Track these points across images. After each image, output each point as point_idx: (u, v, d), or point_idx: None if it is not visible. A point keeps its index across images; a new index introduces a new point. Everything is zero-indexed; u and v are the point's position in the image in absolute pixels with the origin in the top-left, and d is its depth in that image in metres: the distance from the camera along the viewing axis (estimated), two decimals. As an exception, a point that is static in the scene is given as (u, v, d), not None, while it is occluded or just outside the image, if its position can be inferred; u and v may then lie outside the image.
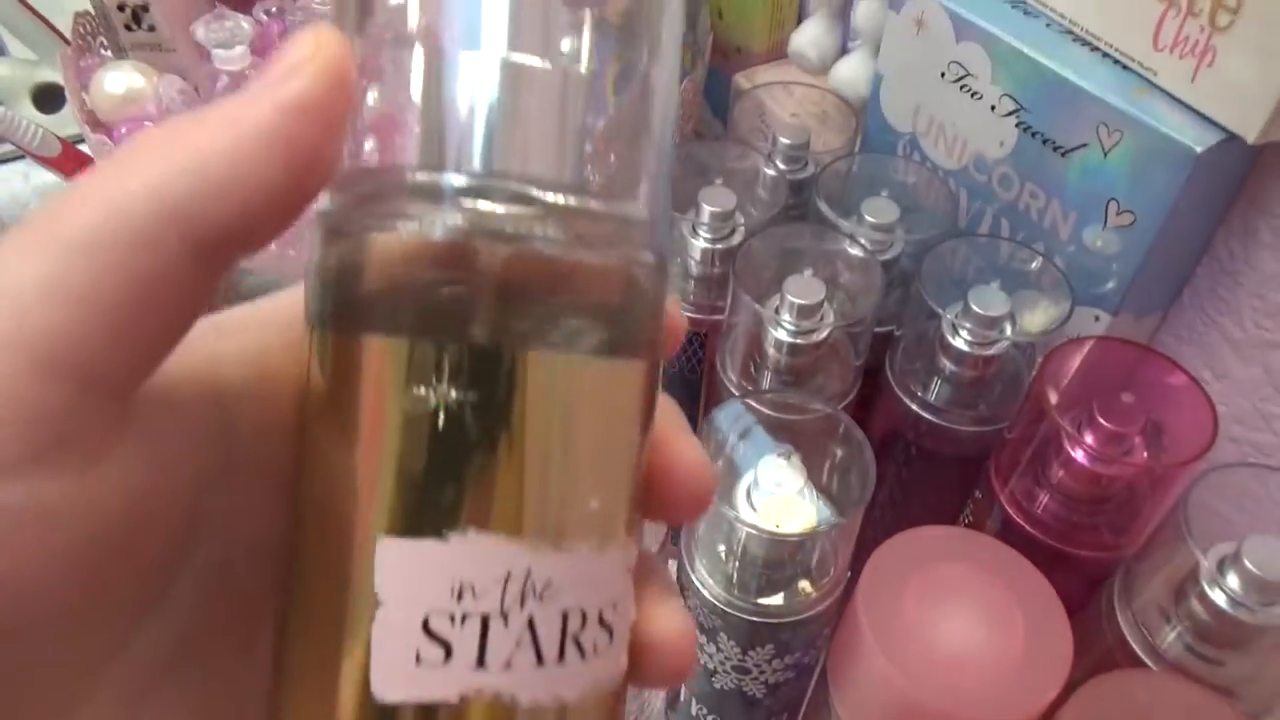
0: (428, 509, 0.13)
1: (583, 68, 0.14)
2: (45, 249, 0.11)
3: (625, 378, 0.14)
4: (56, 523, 0.11)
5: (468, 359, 0.13)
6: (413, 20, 0.14)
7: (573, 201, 0.14)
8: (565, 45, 0.14)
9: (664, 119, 0.15)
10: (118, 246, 0.12)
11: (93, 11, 0.49)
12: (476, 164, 0.13)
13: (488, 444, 0.13)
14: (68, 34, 0.54)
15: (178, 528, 0.14)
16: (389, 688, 0.13)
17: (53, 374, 0.11)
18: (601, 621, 0.14)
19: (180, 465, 0.13)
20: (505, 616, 0.13)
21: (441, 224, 0.13)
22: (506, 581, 0.13)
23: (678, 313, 0.17)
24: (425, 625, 0.13)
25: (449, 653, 0.13)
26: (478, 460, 0.13)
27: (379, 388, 0.13)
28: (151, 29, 0.48)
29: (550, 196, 0.14)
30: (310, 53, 0.13)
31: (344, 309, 0.14)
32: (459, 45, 0.14)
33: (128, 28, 0.48)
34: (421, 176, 0.14)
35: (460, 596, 0.13)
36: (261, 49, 0.49)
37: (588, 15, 0.14)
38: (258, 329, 0.15)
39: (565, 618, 0.13)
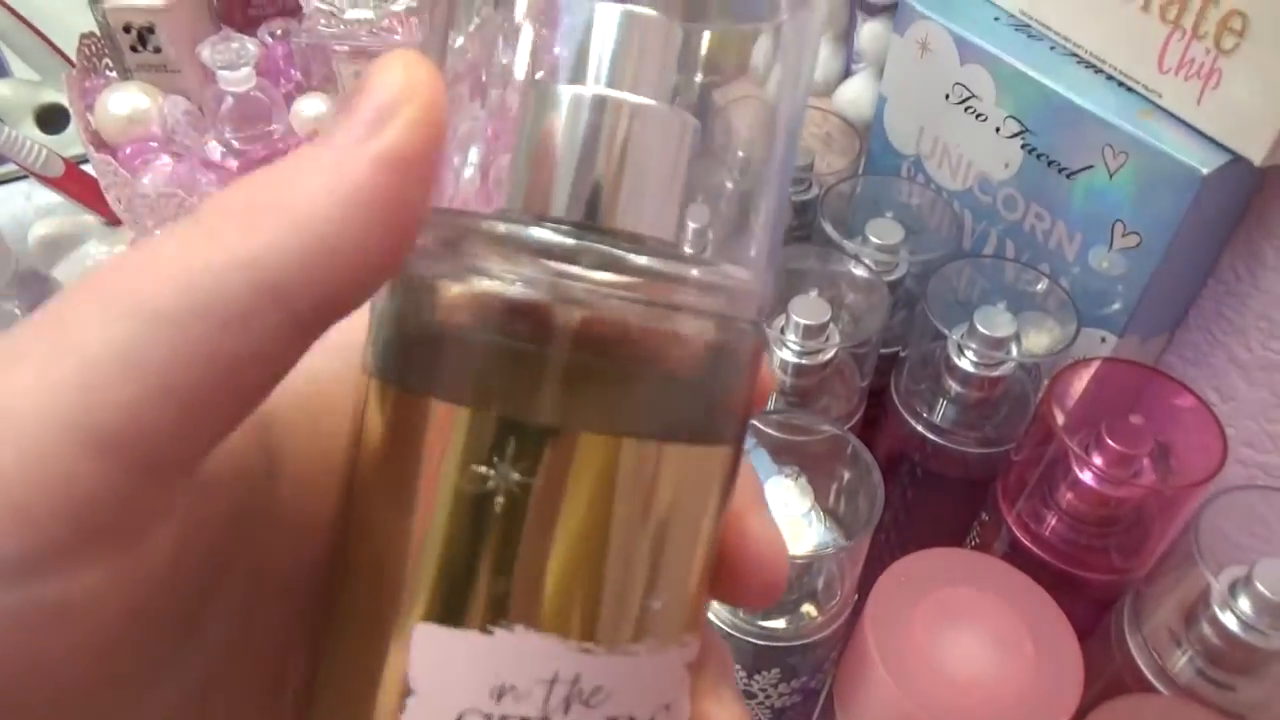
0: (474, 597, 0.12)
1: (692, 113, 0.13)
2: (124, 318, 0.10)
3: (707, 465, 0.13)
4: (90, 610, 0.11)
5: (531, 437, 0.11)
6: (505, 50, 0.13)
7: (670, 267, 0.12)
8: (676, 85, 0.13)
9: (783, 170, 0.14)
10: (205, 322, 0.11)
11: (98, 33, 0.49)
12: (567, 214, 0.12)
13: (545, 533, 0.12)
14: (71, 55, 0.54)
15: (207, 577, 0.13)
16: None
17: (115, 457, 0.10)
18: None
19: (218, 519, 0.13)
20: None
21: (518, 283, 0.12)
22: (553, 685, 0.12)
23: (768, 374, 0.15)
24: None
25: None
26: (533, 550, 0.12)
27: (435, 458, 0.12)
28: (157, 50, 0.49)
29: (645, 260, 0.12)
30: (403, 93, 0.12)
31: (405, 363, 0.12)
32: (557, 79, 0.12)
33: (133, 49, 0.48)
34: (503, 227, 0.12)
35: (500, 698, 0.12)
36: (266, 70, 0.50)
37: (703, 52, 0.13)
38: (311, 360, 0.13)
39: None
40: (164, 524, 0.11)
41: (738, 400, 0.13)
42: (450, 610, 0.12)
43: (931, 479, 0.39)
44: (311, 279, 0.11)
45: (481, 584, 0.12)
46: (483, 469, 0.12)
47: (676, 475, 0.12)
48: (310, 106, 0.47)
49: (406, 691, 0.12)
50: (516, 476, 0.12)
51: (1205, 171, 0.31)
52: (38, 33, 0.60)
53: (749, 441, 0.34)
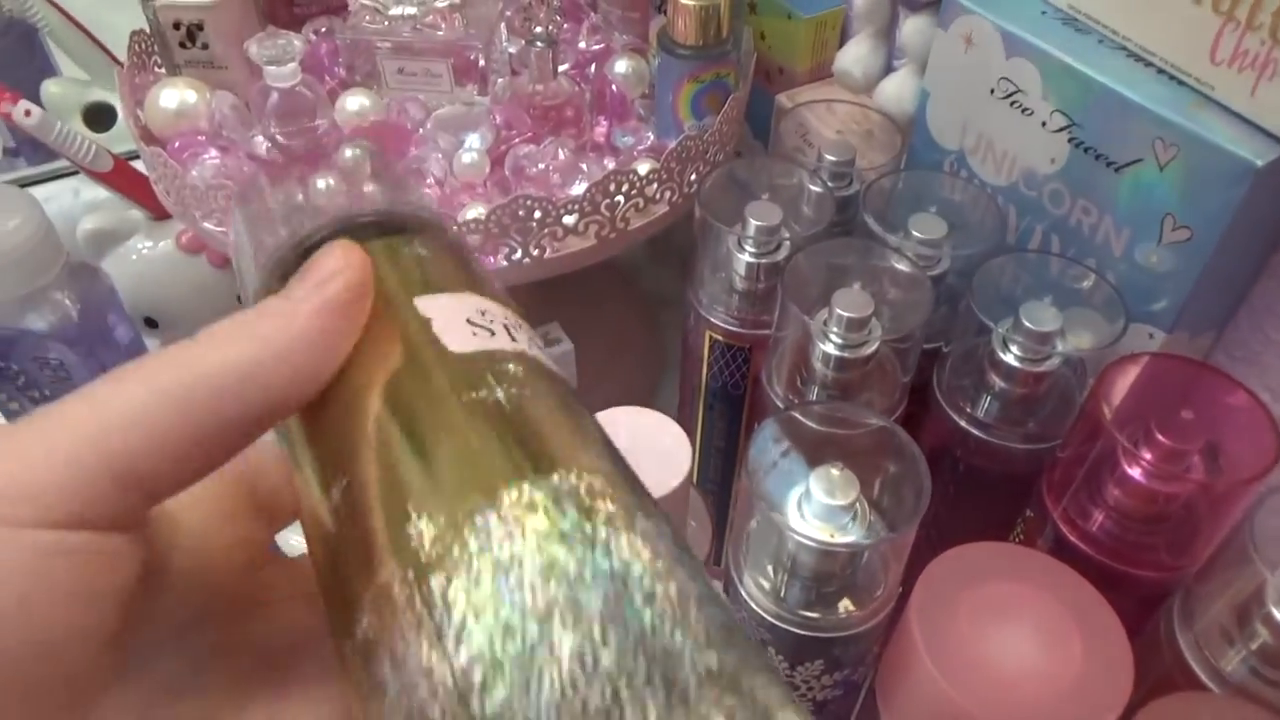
0: None
1: None
2: (142, 393, 0.16)
3: None
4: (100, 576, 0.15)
5: None
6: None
7: None
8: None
9: None
10: (202, 398, 0.16)
11: (148, 30, 0.50)
12: None
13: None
14: (118, 54, 0.55)
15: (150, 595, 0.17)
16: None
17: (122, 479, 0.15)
18: None
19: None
20: None
21: None
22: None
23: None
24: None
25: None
26: None
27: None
28: (205, 47, 0.49)
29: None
30: (339, 265, 0.19)
31: None
32: None
33: (182, 45, 0.49)
34: None
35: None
36: (311, 66, 0.50)
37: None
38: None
39: None
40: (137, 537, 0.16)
41: None
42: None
43: (974, 475, 0.38)
44: (266, 383, 0.16)
45: None
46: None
47: None
48: (354, 102, 0.48)
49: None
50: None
51: (1260, 164, 0.31)
52: (86, 32, 0.62)
53: (785, 443, 0.33)
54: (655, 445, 0.33)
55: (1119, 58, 0.35)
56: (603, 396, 0.35)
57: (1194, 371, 0.34)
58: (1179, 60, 0.33)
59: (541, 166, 0.47)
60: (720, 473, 0.47)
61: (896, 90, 0.45)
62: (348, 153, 0.46)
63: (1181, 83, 0.34)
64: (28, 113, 0.50)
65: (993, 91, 0.39)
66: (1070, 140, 0.37)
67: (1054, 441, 0.36)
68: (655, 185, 0.44)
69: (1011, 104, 0.38)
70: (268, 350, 0.17)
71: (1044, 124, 0.37)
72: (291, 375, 0.17)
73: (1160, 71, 0.34)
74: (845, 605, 0.32)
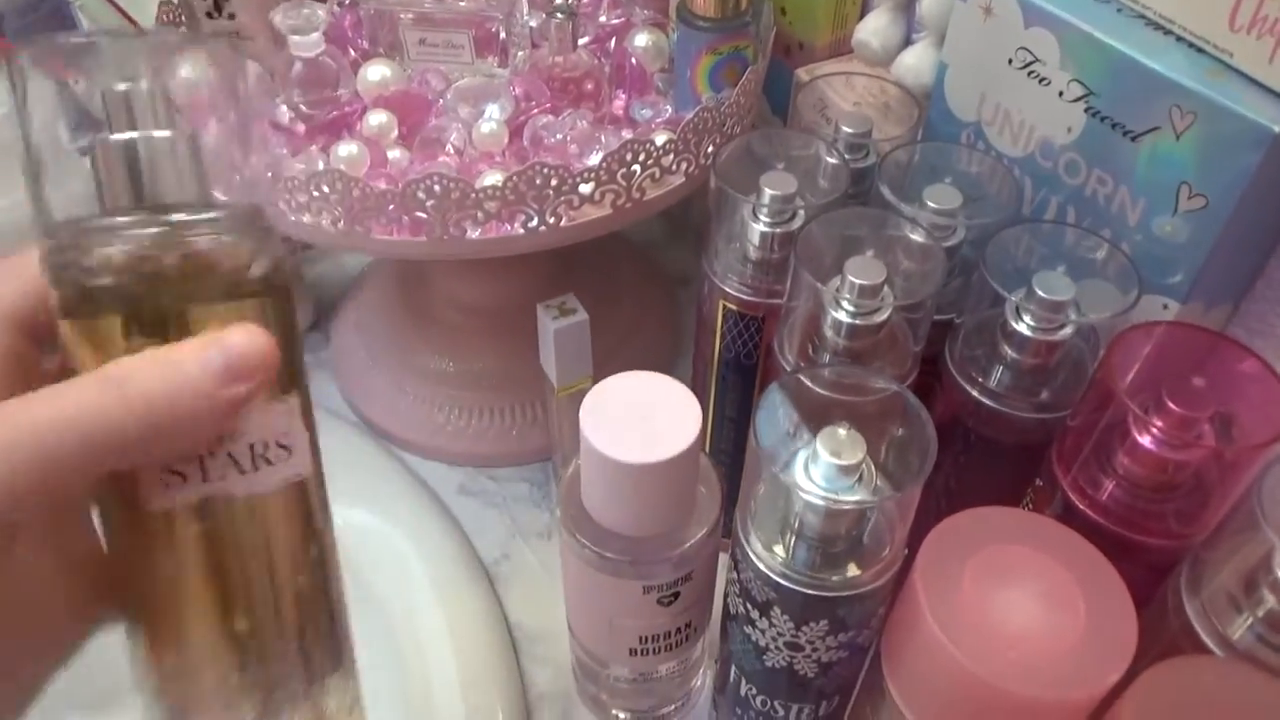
0: None
1: None
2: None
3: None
4: None
5: None
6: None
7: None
8: None
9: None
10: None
11: (175, 1, 0.51)
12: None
13: None
14: (144, 25, 0.56)
15: None
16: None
17: None
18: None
19: None
20: None
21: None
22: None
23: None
24: None
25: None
26: None
27: None
28: (231, 16, 0.50)
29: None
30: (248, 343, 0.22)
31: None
32: None
33: (209, 15, 0.50)
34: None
35: None
36: (334, 37, 0.51)
37: None
38: None
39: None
40: None
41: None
42: None
43: (985, 444, 0.38)
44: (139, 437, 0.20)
45: None
46: None
47: None
48: (375, 72, 0.48)
49: None
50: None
51: (1277, 129, 0.31)
52: (116, 5, 0.63)
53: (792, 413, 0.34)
54: (665, 408, 0.34)
55: (1137, 26, 0.35)
56: (616, 370, 0.36)
57: (1205, 339, 0.34)
58: (1197, 27, 0.33)
59: (559, 137, 0.47)
60: (732, 443, 0.47)
61: (915, 62, 0.45)
62: (372, 121, 0.47)
63: (1200, 50, 0.33)
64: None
65: (1010, 62, 0.39)
66: (1087, 110, 0.36)
67: (1065, 411, 0.36)
68: (671, 156, 0.44)
69: (1029, 74, 0.38)
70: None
71: (1061, 93, 0.37)
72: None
73: (1179, 39, 0.34)
74: (851, 566, 0.32)
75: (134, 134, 0.22)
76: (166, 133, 0.22)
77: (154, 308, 0.21)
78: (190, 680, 0.24)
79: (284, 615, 0.24)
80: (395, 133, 0.47)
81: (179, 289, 0.22)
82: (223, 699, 0.24)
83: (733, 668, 0.38)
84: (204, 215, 0.22)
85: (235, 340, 0.21)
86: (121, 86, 0.22)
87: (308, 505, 0.25)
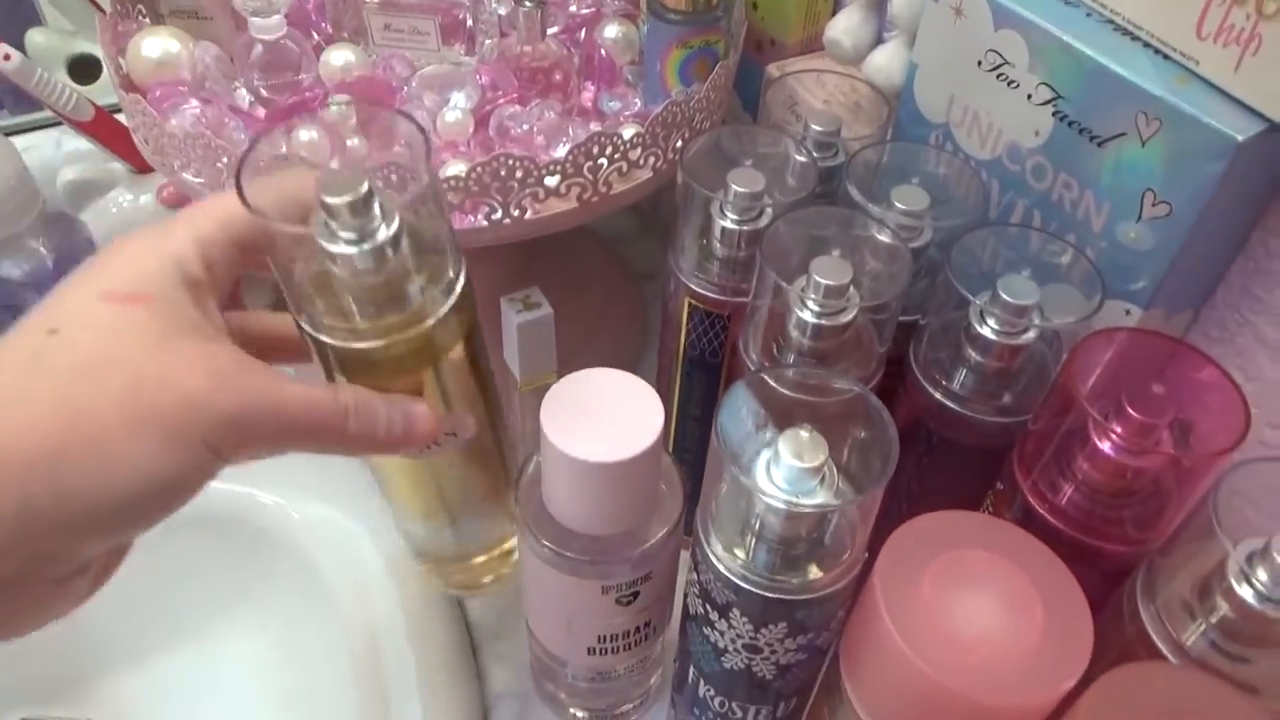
0: None
1: None
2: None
3: None
4: None
5: None
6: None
7: None
8: None
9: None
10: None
11: (134, -22, 0.50)
12: None
13: None
14: (104, 4, 0.55)
15: None
16: None
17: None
18: None
19: None
20: None
21: None
22: None
23: None
24: None
25: None
26: None
27: None
28: (191, -4, 0.49)
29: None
30: None
31: None
32: None
33: (168, -6, 0.48)
34: None
35: None
36: (297, 20, 0.50)
37: None
38: None
39: None
40: None
41: None
42: None
43: (947, 447, 0.38)
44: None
45: None
46: None
47: None
48: (339, 57, 0.47)
49: None
50: None
51: (1240, 139, 0.31)
52: (73, -18, 0.61)
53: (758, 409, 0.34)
54: (628, 406, 0.33)
55: (1106, 31, 0.35)
56: (581, 366, 0.35)
57: (1166, 347, 0.34)
58: (1166, 34, 0.33)
59: (526, 128, 0.47)
60: (696, 441, 0.47)
61: (886, 62, 0.45)
62: (333, 108, 0.46)
63: (1167, 57, 0.33)
64: (7, 57, 0.49)
65: (980, 64, 0.39)
66: (1055, 114, 0.36)
67: (1027, 415, 0.36)
68: (639, 150, 0.44)
69: (998, 76, 0.38)
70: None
71: (1029, 97, 0.37)
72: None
73: (1147, 45, 0.34)
74: (811, 569, 0.32)
75: (364, 245, 0.26)
76: (390, 231, 0.27)
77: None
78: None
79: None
80: (354, 119, 0.46)
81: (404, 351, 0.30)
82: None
83: (691, 668, 0.37)
84: (435, 297, 0.29)
85: (419, 414, 0.30)
86: (342, 200, 0.26)
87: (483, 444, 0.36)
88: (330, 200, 0.25)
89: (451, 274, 0.30)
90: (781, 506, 0.30)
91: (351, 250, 0.26)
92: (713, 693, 0.37)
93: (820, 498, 0.30)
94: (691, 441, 0.47)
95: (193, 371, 0.25)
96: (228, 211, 0.27)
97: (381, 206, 0.26)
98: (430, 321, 0.29)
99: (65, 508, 0.23)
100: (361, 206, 0.26)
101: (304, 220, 0.26)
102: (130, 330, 0.24)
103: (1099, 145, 0.35)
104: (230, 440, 0.25)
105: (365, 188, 0.26)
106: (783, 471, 0.30)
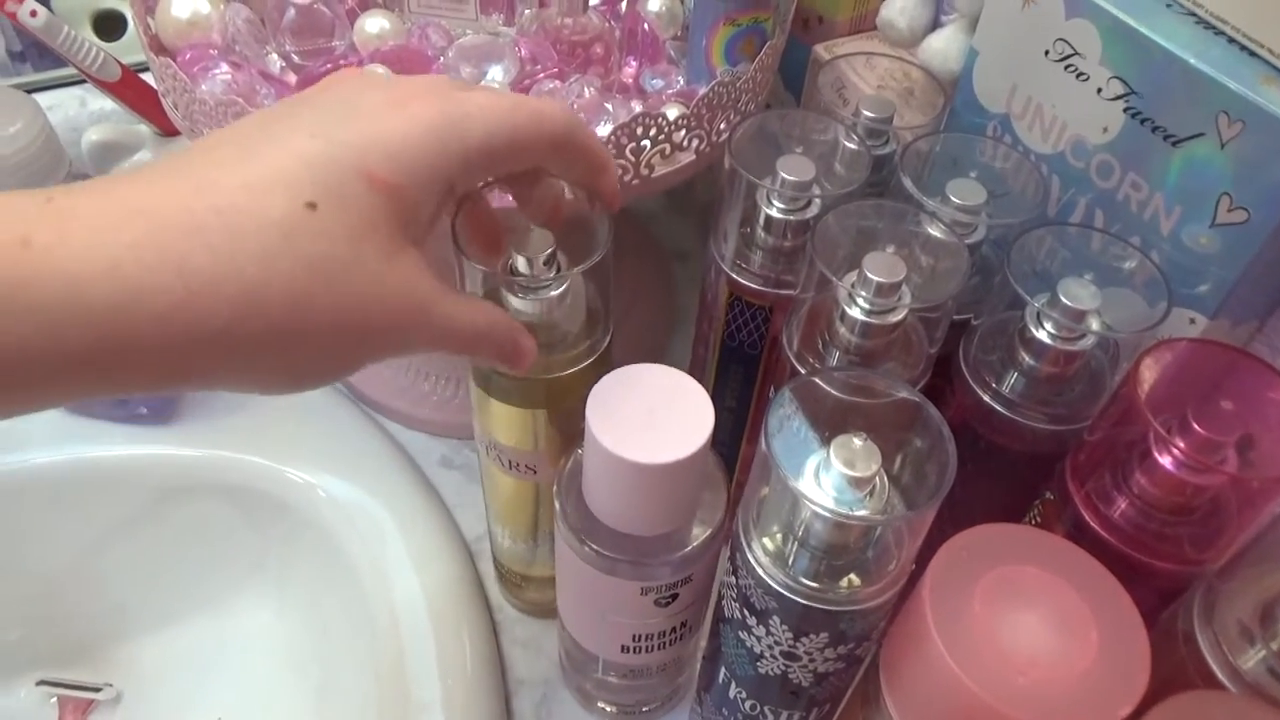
0: None
1: None
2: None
3: None
4: None
5: None
6: None
7: None
8: None
9: None
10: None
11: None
12: None
13: None
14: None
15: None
16: None
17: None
18: None
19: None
20: None
21: None
22: None
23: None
24: None
25: None
26: None
27: None
28: (222, -45, 0.47)
29: None
30: None
31: None
32: None
33: (198, -48, 0.47)
34: None
35: None
36: (330, -16, 0.48)
37: None
38: None
39: None
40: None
41: None
42: None
43: (995, 453, 0.37)
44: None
45: None
46: None
47: None
48: (374, 23, 0.46)
49: None
50: None
51: (1331, 146, 0.29)
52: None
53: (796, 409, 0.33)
54: (677, 405, 0.32)
55: (1188, 24, 0.33)
56: (611, 347, 0.34)
57: (1235, 360, 0.33)
58: (1253, 30, 0.31)
59: (566, 104, 0.45)
60: (730, 434, 0.46)
61: (943, 47, 0.43)
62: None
63: (1253, 54, 0.32)
64: (34, 13, 0.48)
65: (1047, 53, 0.37)
66: (1126, 109, 0.35)
67: (1080, 423, 0.35)
68: (684, 132, 0.42)
69: (1067, 68, 0.36)
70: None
71: (1099, 90, 0.35)
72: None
73: (1231, 41, 0.32)
74: (856, 580, 0.31)
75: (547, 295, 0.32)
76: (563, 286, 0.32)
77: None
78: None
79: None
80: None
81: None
82: None
83: (722, 669, 0.37)
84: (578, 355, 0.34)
85: (527, 349, 0.30)
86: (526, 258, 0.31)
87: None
88: (519, 256, 0.30)
89: (599, 335, 0.34)
90: (830, 517, 0.29)
91: (521, 302, 0.32)
92: (744, 695, 0.36)
93: (871, 509, 0.29)
94: (724, 434, 0.46)
95: (408, 301, 0.26)
96: (511, 140, 0.27)
97: (559, 267, 0.31)
98: (560, 374, 0.33)
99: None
100: (542, 266, 0.31)
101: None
102: (374, 232, 0.25)
103: (1174, 145, 0.34)
104: (408, 352, 0.28)
105: (550, 250, 0.31)
106: (833, 479, 0.29)
